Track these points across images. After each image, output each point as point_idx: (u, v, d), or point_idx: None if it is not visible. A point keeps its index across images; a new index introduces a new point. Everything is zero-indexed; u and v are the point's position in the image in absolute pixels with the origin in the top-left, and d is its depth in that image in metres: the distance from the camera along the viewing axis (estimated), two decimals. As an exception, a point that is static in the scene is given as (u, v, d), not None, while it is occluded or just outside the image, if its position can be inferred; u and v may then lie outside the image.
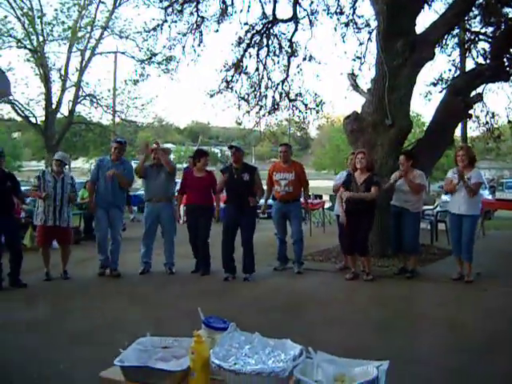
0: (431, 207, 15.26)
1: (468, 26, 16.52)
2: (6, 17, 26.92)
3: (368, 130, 11.69)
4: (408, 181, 9.64)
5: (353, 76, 13.81)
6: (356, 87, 13.19)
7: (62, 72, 28.90)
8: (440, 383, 5.15)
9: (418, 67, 12.10)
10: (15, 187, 9.45)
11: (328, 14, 17.09)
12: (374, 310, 7.80)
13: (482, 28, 16.41)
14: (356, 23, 16.98)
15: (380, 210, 10.25)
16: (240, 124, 19.03)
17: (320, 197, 23.10)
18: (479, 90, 14.39)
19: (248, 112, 17.98)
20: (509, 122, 18.46)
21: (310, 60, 17.52)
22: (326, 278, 9.95)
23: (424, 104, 26.47)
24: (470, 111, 14.36)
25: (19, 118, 29.84)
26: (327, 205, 19.31)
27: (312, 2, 16.94)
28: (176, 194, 10.94)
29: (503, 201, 19.38)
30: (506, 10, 15.57)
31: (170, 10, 16.31)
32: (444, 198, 23.39)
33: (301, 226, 10.72)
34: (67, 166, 10.35)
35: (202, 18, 16.73)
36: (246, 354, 2.81)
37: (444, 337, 6.46)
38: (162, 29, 16.94)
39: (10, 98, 24.87)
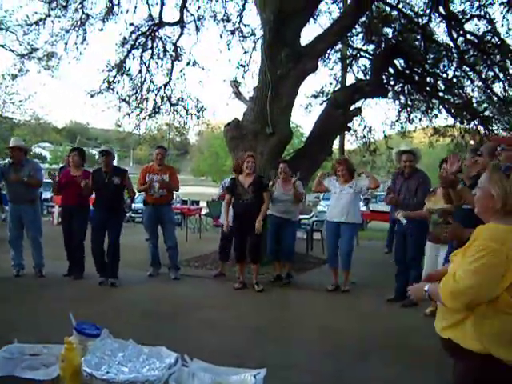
0: (307, 217, 15.47)
1: (350, 42, 17.04)
2: None
3: (248, 138, 11.70)
4: (293, 188, 9.75)
5: (236, 83, 13.84)
6: (238, 95, 13.22)
7: None
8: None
9: (301, 78, 12.25)
10: None
11: (215, 20, 17.17)
12: (252, 316, 7.84)
13: (363, 45, 17.02)
14: (242, 31, 17.10)
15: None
16: (120, 126, 18.77)
17: (197, 203, 23.07)
18: (358, 104, 14.79)
19: (128, 114, 17.73)
20: (385, 136, 19.12)
21: (193, 65, 17.50)
22: (202, 285, 9.90)
23: (304, 115, 27.06)
24: (349, 124, 14.74)
25: None
26: (204, 211, 19.30)
27: (199, 8, 16.98)
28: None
29: (377, 212, 19.91)
30: (387, 29, 16.16)
31: (54, 4, 15.87)
32: (320, 208, 23.87)
33: (175, 231, 10.65)
34: None
35: (87, 15, 16.41)
36: (119, 362, 2.71)
37: (320, 343, 6.56)
38: (44, 23, 16.49)
39: None
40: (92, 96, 17.09)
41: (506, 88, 16.34)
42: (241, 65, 16.92)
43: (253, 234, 9.35)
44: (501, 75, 16.21)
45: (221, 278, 10.35)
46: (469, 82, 16.92)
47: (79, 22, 16.38)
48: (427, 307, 7.70)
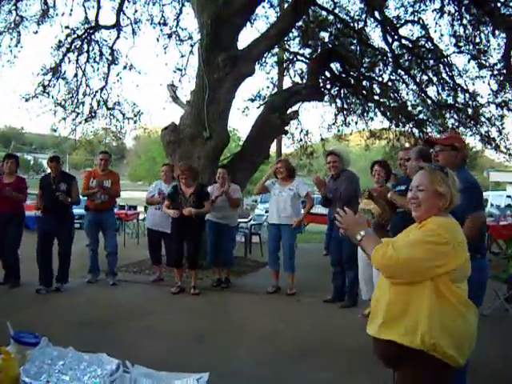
0: (245, 220, 15.50)
1: (287, 46, 17.12)
2: None
3: (186, 142, 11.66)
4: (228, 196, 9.73)
5: (173, 87, 13.77)
6: (175, 99, 13.15)
7: None
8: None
9: (238, 82, 12.27)
10: None
11: (151, 23, 17.11)
12: (191, 321, 7.78)
13: (300, 49, 17.10)
14: (179, 35, 17.11)
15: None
16: (55, 131, 18.45)
17: (135, 208, 22.88)
18: (295, 107, 14.86)
19: (64, 119, 17.51)
20: (321, 139, 19.26)
21: (130, 69, 17.43)
22: (140, 290, 9.83)
23: (240, 119, 27.17)
24: (286, 128, 14.81)
25: None
26: (142, 216, 19.17)
27: (136, 11, 16.90)
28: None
29: (314, 215, 19.97)
30: (323, 34, 16.30)
31: (-14, 5, 15.57)
32: (257, 211, 23.91)
33: (115, 237, 10.58)
34: None
35: (22, 17, 16.19)
36: (59, 370, 2.64)
37: (260, 347, 6.56)
38: (-24, 25, 16.10)
39: None
40: (27, 100, 16.79)
41: (440, 91, 16.67)
42: (178, 69, 16.91)
43: (191, 241, 9.36)
44: (434, 79, 16.54)
45: (159, 283, 10.29)
46: (404, 85, 17.22)
47: (13, 24, 16.12)
48: (366, 308, 7.76)
